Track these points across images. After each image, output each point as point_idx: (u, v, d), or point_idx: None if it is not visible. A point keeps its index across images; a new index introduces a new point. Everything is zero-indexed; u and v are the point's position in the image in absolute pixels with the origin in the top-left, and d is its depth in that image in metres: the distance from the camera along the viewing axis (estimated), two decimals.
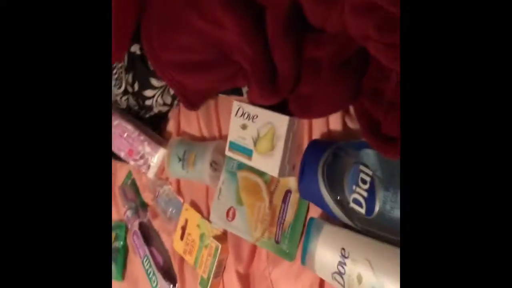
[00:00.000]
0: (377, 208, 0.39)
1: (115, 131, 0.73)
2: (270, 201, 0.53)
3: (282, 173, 0.49)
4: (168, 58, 0.53)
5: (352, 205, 0.41)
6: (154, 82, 0.61)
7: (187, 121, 0.69)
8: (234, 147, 0.54)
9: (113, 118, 0.73)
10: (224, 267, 0.61)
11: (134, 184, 0.83)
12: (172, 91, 0.64)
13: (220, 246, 0.59)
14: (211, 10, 0.46)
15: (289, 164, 0.49)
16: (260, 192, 0.54)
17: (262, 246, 0.54)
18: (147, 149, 0.70)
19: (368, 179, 0.39)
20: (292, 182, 0.51)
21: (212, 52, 0.49)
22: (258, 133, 0.50)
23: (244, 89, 0.55)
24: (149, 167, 0.71)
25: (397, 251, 0.38)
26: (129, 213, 0.81)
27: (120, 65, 0.62)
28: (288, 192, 0.52)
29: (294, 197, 0.51)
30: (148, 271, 0.75)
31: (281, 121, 0.48)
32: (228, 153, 0.55)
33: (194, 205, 0.67)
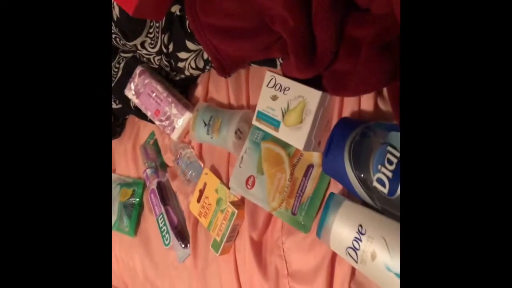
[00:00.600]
0: (399, 190, 0.40)
1: (144, 90, 0.74)
2: (292, 174, 0.54)
3: (307, 147, 0.49)
4: (208, 21, 0.53)
5: (375, 184, 0.41)
6: (190, 45, 0.61)
7: (216, 87, 0.70)
8: (262, 117, 0.54)
9: (144, 76, 0.74)
10: (238, 232, 0.63)
11: (156, 145, 0.85)
12: (206, 56, 0.64)
13: (236, 211, 0.61)
14: None
15: (315, 139, 0.50)
16: (282, 164, 0.55)
17: (278, 216, 0.55)
18: (174, 111, 0.71)
19: (395, 160, 0.40)
20: (315, 157, 0.52)
21: (253, 20, 0.50)
22: (288, 105, 0.51)
23: (278, 62, 0.55)
24: (173, 129, 0.72)
25: None
26: (148, 171, 0.83)
27: (157, 24, 0.62)
28: (310, 166, 0.53)
29: (316, 172, 0.52)
30: (162, 229, 0.77)
31: (313, 96, 0.48)
32: (255, 122, 0.55)
33: (214, 171, 0.68)
